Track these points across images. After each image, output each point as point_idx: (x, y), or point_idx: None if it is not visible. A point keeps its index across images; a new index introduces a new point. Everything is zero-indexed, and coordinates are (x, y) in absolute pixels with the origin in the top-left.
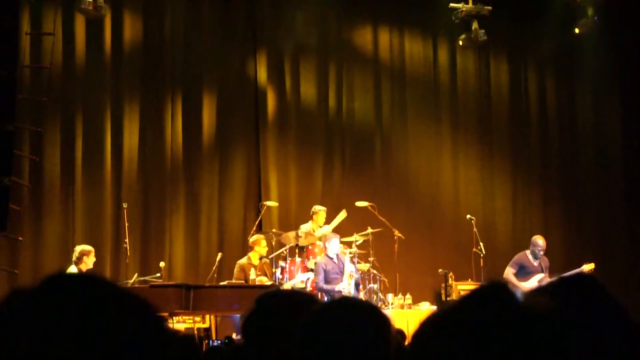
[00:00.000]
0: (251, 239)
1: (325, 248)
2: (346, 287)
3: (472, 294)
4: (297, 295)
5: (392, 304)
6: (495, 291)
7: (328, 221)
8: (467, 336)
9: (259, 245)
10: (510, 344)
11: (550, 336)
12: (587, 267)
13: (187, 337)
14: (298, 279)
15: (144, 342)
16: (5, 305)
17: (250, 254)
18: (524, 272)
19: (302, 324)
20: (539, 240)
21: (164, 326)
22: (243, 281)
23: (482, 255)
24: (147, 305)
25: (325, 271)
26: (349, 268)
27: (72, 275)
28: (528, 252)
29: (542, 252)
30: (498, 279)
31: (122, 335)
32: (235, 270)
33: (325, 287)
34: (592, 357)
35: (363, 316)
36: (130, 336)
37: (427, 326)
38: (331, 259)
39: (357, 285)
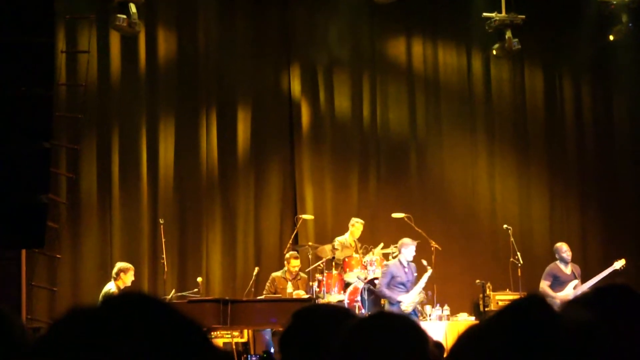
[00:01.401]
0: (286, 255)
1: (400, 252)
2: (409, 301)
3: (510, 307)
4: (334, 309)
5: (430, 315)
6: (532, 304)
7: (363, 235)
8: (506, 350)
9: (289, 264)
10: (552, 356)
11: (589, 349)
12: (619, 264)
13: (226, 353)
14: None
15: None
16: (65, 324)
17: (285, 268)
18: (558, 282)
19: (339, 338)
20: (562, 246)
21: (212, 343)
22: (274, 293)
23: (519, 265)
24: (195, 323)
25: (392, 277)
26: (422, 285)
27: (129, 295)
28: (557, 261)
29: (568, 256)
30: (535, 292)
31: (177, 353)
32: (268, 282)
33: (387, 293)
34: None
35: (401, 331)
36: (184, 354)
37: (466, 340)
38: (403, 267)
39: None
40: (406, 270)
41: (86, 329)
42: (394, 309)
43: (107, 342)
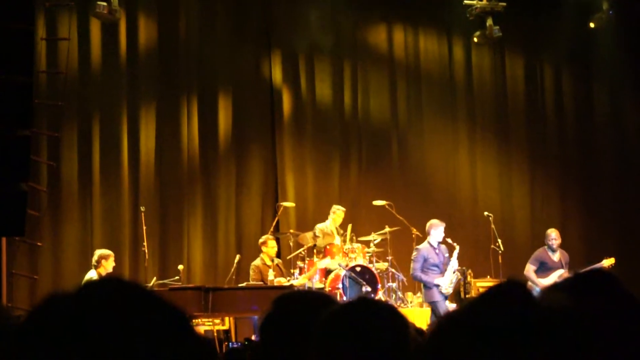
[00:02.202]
0: (260, 240)
1: (429, 235)
2: (446, 283)
3: (488, 292)
4: (314, 295)
5: (411, 302)
6: (511, 289)
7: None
8: (483, 335)
9: (267, 247)
10: (527, 342)
11: (567, 334)
12: (607, 262)
13: (208, 340)
14: (321, 265)
15: (178, 345)
16: (45, 309)
17: (261, 255)
18: (544, 268)
19: (319, 325)
20: (552, 233)
21: (194, 329)
22: (261, 282)
23: (500, 251)
24: (177, 309)
25: (424, 260)
26: (455, 265)
27: (109, 280)
28: (546, 247)
29: (555, 243)
30: (514, 277)
31: (157, 338)
32: (251, 272)
33: (424, 277)
34: (608, 354)
35: (381, 317)
36: (165, 339)
37: (443, 325)
38: (434, 248)
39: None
40: (437, 251)
41: (66, 314)
42: (434, 292)
43: (87, 327)
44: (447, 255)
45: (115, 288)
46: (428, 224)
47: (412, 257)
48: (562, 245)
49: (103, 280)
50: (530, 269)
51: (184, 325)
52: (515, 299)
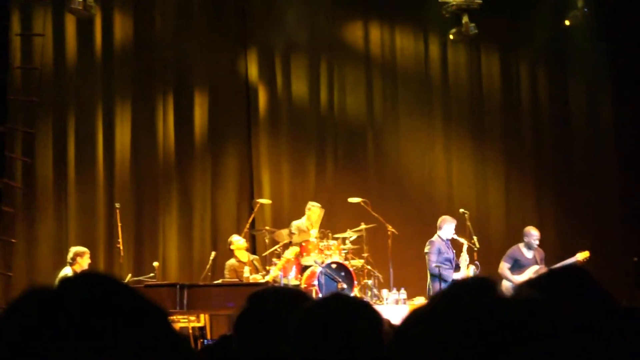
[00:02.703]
0: (232, 246)
1: (440, 229)
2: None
3: (454, 288)
4: (289, 292)
5: (387, 299)
6: (476, 286)
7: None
8: (450, 329)
9: (233, 245)
10: (493, 335)
11: (535, 327)
12: (582, 256)
13: (184, 337)
14: (285, 257)
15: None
16: (22, 304)
17: (235, 254)
18: (518, 265)
19: (294, 320)
20: (532, 231)
21: (171, 325)
22: (237, 280)
23: (475, 249)
24: (154, 304)
25: (439, 253)
26: (467, 259)
27: (87, 275)
28: (521, 244)
29: (537, 242)
30: (479, 275)
31: (136, 334)
32: (226, 272)
33: (443, 272)
34: (580, 348)
35: (355, 313)
36: (143, 335)
37: (411, 322)
38: (445, 242)
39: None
40: (448, 246)
41: (44, 309)
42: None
43: (65, 322)
44: (454, 251)
45: (94, 283)
46: (440, 219)
47: (427, 250)
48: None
49: (81, 275)
50: (504, 267)
51: (162, 321)
52: (481, 293)
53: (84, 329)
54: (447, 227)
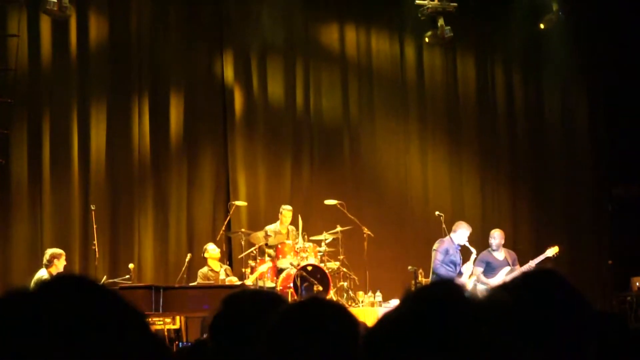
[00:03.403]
0: (203, 250)
1: (453, 232)
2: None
3: (420, 291)
4: (264, 294)
5: (362, 301)
6: (441, 289)
7: (294, 221)
8: (416, 334)
9: (207, 252)
10: (461, 338)
11: (501, 327)
12: (552, 252)
13: (161, 339)
14: (261, 270)
15: (134, 341)
16: (1, 306)
17: (208, 263)
18: (490, 268)
19: (269, 324)
20: (494, 232)
21: (149, 327)
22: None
23: None
24: (132, 306)
25: (446, 253)
26: (470, 268)
27: (66, 277)
28: (489, 248)
29: (494, 243)
30: (444, 278)
31: (114, 335)
32: (199, 279)
33: (445, 275)
34: (550, 349)
35: (331, 316)
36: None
37: (381, 325)
38: (455, 246)
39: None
40: (457, 249)
41: (23, 312)
42: None
43: (44, 324)
44: (461, 258)
45: (72, 286)
46: (457, 223)
47: (435, 247)
48: (513, 242)
49: (59, 277)
50: (477, 271)
51: (140, 323)
52: (450, 295)
53: (63, 332)
54: (461, 232)
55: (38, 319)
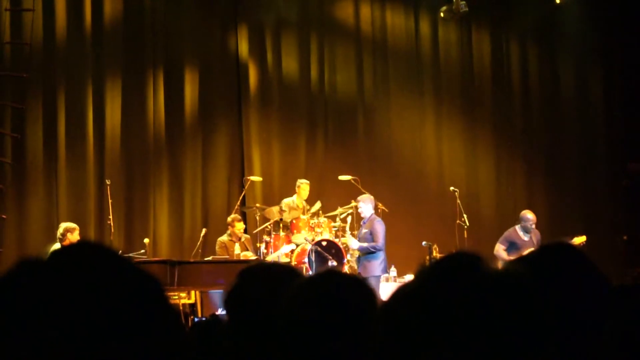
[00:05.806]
0: (229, 218)
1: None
2: None
3: (439, 263)
4: (279, 268)
5: None
6: (462, 261)
7: (310, 196)
8: (435, 305)
9: (233, 227)
10: (477, 311)
11: (520, 303)
12: (579, 240)
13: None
14: (282, 252)
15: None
16: (13, 276)
17: (228, 231)
18: (514, 247)
19: (286, 296)
20: (529, 215)
21: (166, 296)
22: (227, 257)
23: (465, 227)
24: (150, 275)
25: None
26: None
27: (80, 245)
28: (518, 227)
29: (533, 226)
30: (464, 250)
31: (131, 303)
32: (217, 248)
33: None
34: (568, 323)
35: (349, 289)
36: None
37: (398, 297)
38: (520, 235)
39: None
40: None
41: (37, 280)
42: None
43: (59, 292)
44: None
45: (87, 253)
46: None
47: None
48: None
49: (74, 245)
50: (499, 248)
51: (157, 291)
52: (466, 267)
53: (78, 299)
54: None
55: (52, 287)
